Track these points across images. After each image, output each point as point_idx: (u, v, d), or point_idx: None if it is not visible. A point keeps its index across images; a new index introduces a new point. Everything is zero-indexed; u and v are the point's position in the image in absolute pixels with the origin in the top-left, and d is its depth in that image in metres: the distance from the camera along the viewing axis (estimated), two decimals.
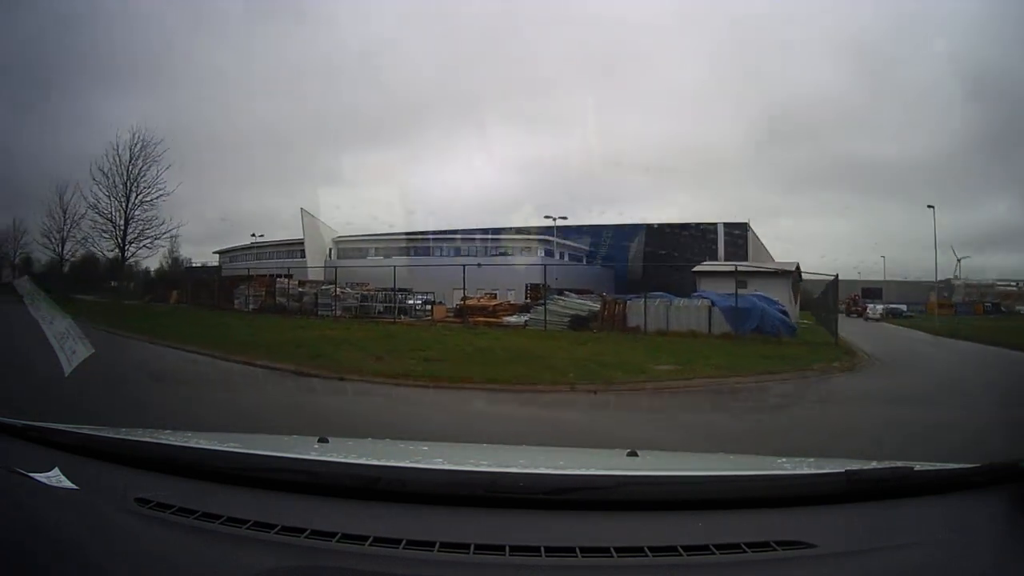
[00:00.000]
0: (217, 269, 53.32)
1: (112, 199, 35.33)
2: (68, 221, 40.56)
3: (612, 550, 1.74)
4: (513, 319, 28.61)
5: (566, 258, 48.10)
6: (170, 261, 58.45)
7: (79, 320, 20.24)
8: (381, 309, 32.25)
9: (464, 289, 31.21)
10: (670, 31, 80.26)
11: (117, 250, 36.47)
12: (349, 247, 50.21)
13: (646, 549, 1.75)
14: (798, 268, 32.08)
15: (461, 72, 79.57)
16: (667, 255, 40.81)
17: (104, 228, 36.16)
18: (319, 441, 2.72)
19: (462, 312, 30.61)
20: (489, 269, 37.16)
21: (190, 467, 2.23)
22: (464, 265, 32.28)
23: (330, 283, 35.73)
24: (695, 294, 27.66)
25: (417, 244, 47.92)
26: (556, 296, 29.38)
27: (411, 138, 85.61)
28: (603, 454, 3.43)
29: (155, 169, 34.98)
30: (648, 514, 1.96)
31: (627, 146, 75.62)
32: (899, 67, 67.66)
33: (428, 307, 32.48)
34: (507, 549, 1.74)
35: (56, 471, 2.15)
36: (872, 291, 59.69)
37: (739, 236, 46.45)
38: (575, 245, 49.42)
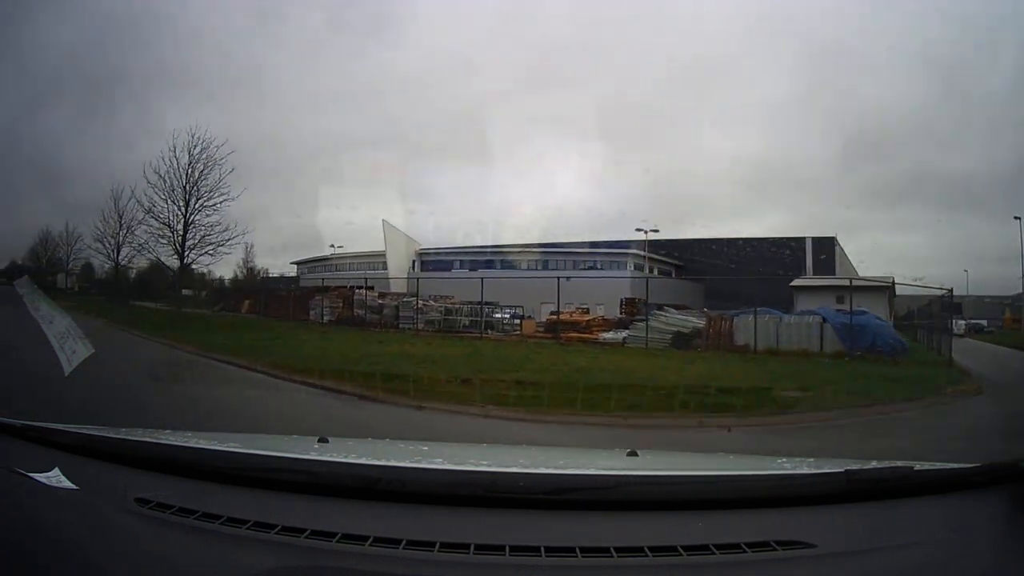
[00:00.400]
0: (294, 280, 52.46)
1: (170, 203, 32.31)
2: (124, 226, 38.54)
3: (612, 550, 1.74)
4: (609, 335, 26.25)
5: (655, 272, 46.24)
6: (245, 271, 58.98)
7: (118, 325, 22.61)
8: (466, 323, 30.75)
9: (558, 303, 29.25)
10: (754, 49, 77.05)
11: (176, 256, 33.07)
12: (432, 259, 49.54)
13: (646, 549, 1.75)
14: (893, 283, 30.68)
15: (544, 87, 77.82)
16: (756, 270, 38.90)
17: (161, 233, 33.08)
18: (319, 441, 2.73)
19: (553, 327, 28.40)
20: (577, 283, 35.31)
21: (190, 467, 2.22)
22: (558, 277, 30.41)
23: (412, 295, 33.83)
24: (801, 310, 25.98)
25: (502, 257, 46.88)
26: (657, 311, 26.73)
27: (494, 151, 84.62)
28: (603, 454, 3.51)
29: (217, 172, 31.97)
30: (648, 514, 1.97)
31: (711, 161, 73.67)
32: (980, 79, 64.87)
33: (517, 321, 30.72)
34: (507, 549, 1.74)
35: (56, 471, 2.14)
36: (953, 306, 57.31)
37: (826, 251, 45.52)
38: (664, 259, 48.14)
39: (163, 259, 33.21)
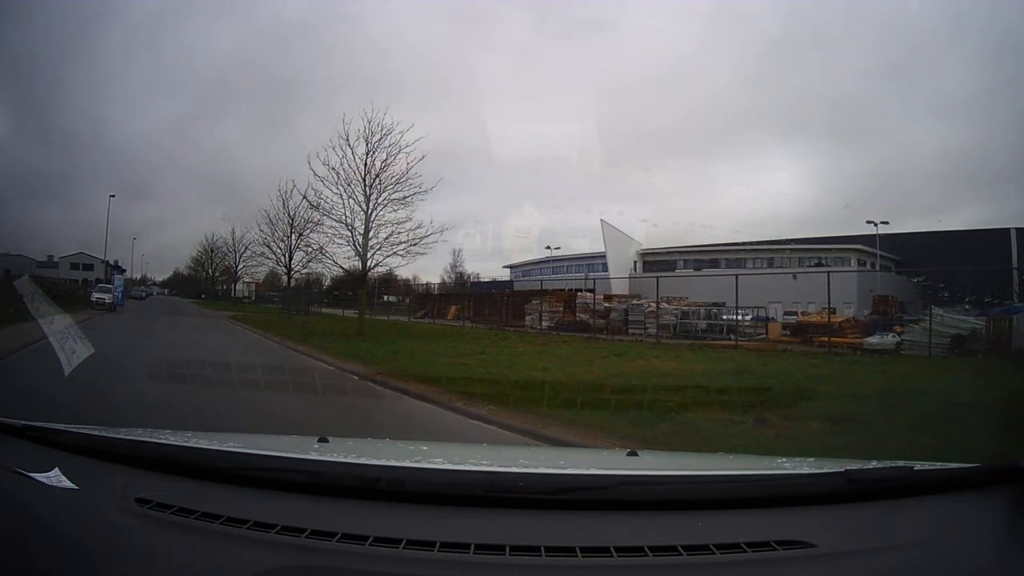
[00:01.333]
0: (507, 284, 51.14)
1: (346, 197, 26.19)
2: (295, 229, 34.46)
3: (612, 550, 1.75)
4: (875, 340, 22.13)
5: (875, 267, 43.59)
6: (453, 276, 58.90)
7: (274, 336, 22.23)
8: (703, 327, 27.74)
9: (831, 302, 25.00)
10: (954, 42, 73.70)
11: (357, 258, 26.49)
12: (655, 260, 48.05)
13: (646, 549, 1.75)
14: None
15: (762, 87, 77.19)
16: (964, 263, 34.30)
17: (337, 233, 26.94)
18: (319, 441, 2.72)
19: (800, 330, 25.23)
20: (794, 281, 32.53)
21: (190, 467, 2.22)
22: (828, 272, 26.33)
23: (641, 297, 31.04)
24: None
25: (726, 256, 45.19)
26: (936, 311, 22.38)
27: (712, 150, 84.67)
28: (603, 454, 3.60)
29: (403, 161, 25.60)
30: (648, 514, 1.97)
31: (915, 155, 70.09)
32: None
33: (759, 324, 27.01)
34: (507, 549, 1.74)
35: (56, 471, 2.14)
36: None
37: None
38: (886, 255, 45.07)
39: (340, 262, 27.54)
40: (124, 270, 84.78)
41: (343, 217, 26.00)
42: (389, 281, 50.52)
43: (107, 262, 69.49)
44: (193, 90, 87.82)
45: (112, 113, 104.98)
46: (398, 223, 25.55)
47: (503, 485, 2.01)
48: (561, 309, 32.36)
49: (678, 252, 47.20)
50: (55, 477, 2.09)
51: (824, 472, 2.26)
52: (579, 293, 33.46)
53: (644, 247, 48.72)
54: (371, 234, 25.65)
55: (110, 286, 43.98)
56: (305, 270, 38.73)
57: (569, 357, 17.33)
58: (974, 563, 1.79)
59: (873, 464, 2.27)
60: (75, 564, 1.71)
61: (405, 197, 25.16)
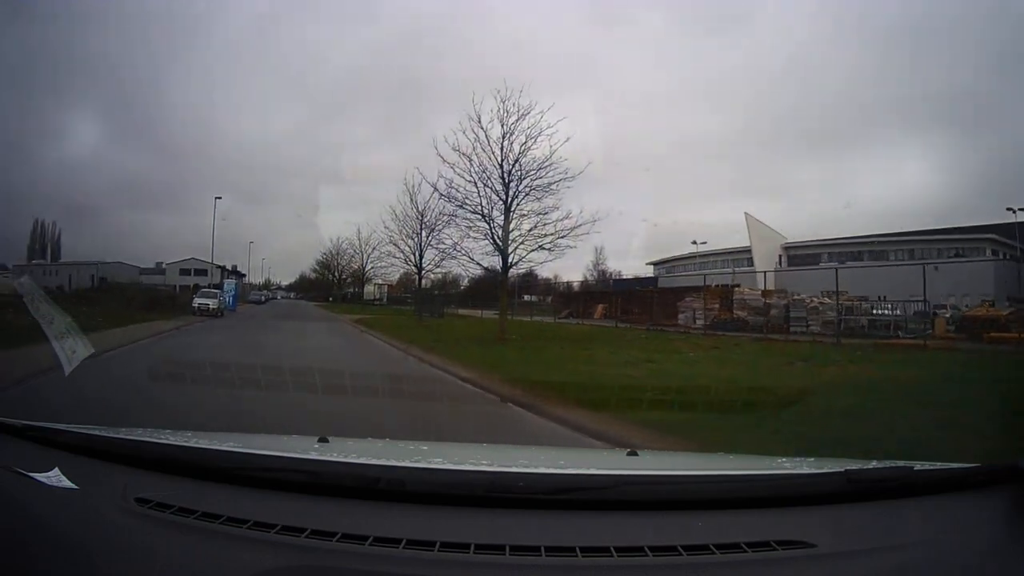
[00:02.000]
0: (651, 280, 50.63)
1: (483, 186, 22.99)
2: (426, 225, 32.29)
3: (612, 550, 1.75)
4: None
5: (1008, 257, 40.97)
6: (596, 273, 57.75)
7: (399, 343, 20.03)
8: (864, 323, 25.84)
9: (971, 295, 26.00)
10: None
11: (497, 252, 23.40)
12: (799, 253, 46.97)
13: (646, 549, 1.76)
14: None
15: (901, 73, 79.62)
16: None
17: (472, 226, 23.74)
18: (319, 441, 2.72)
19: (966, 326, 23.74)
20: (917, 273, 30.75)
21: (190, 467, 2.22)
22: (976, 263, 26.29)
23: (793, 293, 29.57)
24: None
25: (869, 248, 43.67)
26: None
27: (851, 142, 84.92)
28: (603, 454, 3.65)
29: (546, 145, 21.90)
30: (648, 514, 1.97)
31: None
32: None
33: (923, 320, 24.35)
34: (507, 549, 1.75)
35: (56, 471, 2.14)
36: None
37: None
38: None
39: (477, 259, 24.53)
40: (243, 275, 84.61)
41: (479, 207, 23.04)
42: (529, 280, 49.10)
43: (222, 267, 68.81)
44: (318, 91, 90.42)
45: (238, 118, 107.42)
46: (542, 213, 22.44)
47: (503, 485, 2.03)
48: (717, 306, 30.58)
49: (821, 245, 46.11)
50: (55, 477, 2.10)
51: (824, 472, 2.28)
52: (735, 289, 31.80)
53: (787, 241, 47.78)
54: (512, 226, 22.58)
55: (216, 291, 42.27)
56: (439, 269, 36.29)
57: (750, 364, 14.81)
58: (974, 563, 1.81)
59: (873, 464, 2.31)
60: (75, 564, 1.72)
61: (549, 184, 22.04)
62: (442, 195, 24.40)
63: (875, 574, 1.76)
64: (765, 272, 31.84)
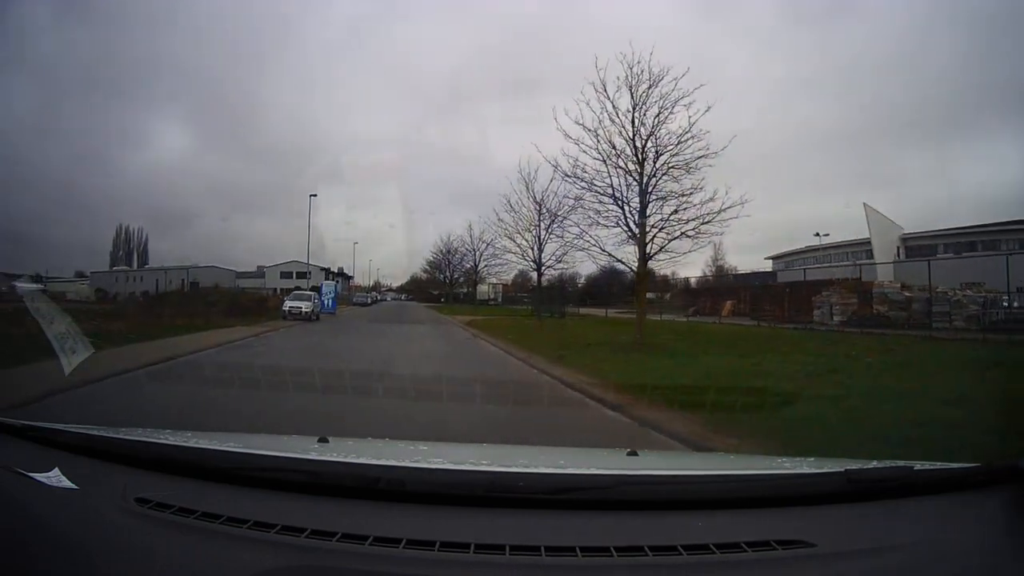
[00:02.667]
0: (770, 276, 49.57)
1: (609, 165, 19.33)
2: (548, 214, 29.91)
3: (612, 550, 1.74)
4: None
5: None
6: (713, 269, 57.38)
7: (513, 347, 17.82)
8: (1001, 317, 24.01)
9: None
10: None
11: (631, 240, 19.62)
12: (916, 244, 45.75)
13: (646, 549, 1.75)
14: None
15: (995, 63, 75.66)
16: None
17: (602, 211, 19.99)
18: (319, 441, 2.70)
19: None
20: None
21: (190, 467, 2.21)
22: None
23: (916, 286, 27.23)
24: None
25: (987, 238, 42.24)
26: None
27: (949, 132, 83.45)
28: (603, 454, 3.50)
29: (684, 116, 18.40)
30: (648, 514, 1.96)
31: None
32: None
33: None
34: (507, 549, 1.74)
35: (56, 471, 2.13)
36: None
37: None
38: None
39: (608, 248, 20.55)
40: (350, 277, 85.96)
41: (608, 189, 19.40)
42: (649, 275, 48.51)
43: (327, 269, 69.09)
44: (429, 91, 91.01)
45: (346, 121, 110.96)
46: (683, 194, 18.61)
47: (503, 485, 2.02)
48: (855, 301, 28.53)
49: (937, 236, 44.74)
50: (55, 477, 2.09)
51: (824, 472, 2.27)
52: (875, 283, 29.68)
53: (905, 231, 46.45)
54: (648, 210, 18.92)
55: (309, 293, 39.32)
56: (560, 265, 33.02)
57: (935, 374, 11.75)
58: (974, 563, 1.79)
59: (873, 464, 2.29)
60: (75, 564, 1.71)
61: (688, 162, 18.37)
62: (566, 176, 20.52)
63: (875, 574, 1.76)
64: (889, 263, 30.98)
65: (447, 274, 69.53)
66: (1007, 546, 1.87)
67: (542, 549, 1.75)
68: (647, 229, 19.00)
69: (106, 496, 2.06)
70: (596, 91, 18.91)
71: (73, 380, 6.85)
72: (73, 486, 2.09)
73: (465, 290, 70.89)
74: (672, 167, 18.64)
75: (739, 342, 19.85)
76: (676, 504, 2.02)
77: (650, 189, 18.95)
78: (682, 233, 18.80)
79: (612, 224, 19.89)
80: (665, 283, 47.48)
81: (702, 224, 18.47)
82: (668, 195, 18.95)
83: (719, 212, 18.12)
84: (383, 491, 2.04)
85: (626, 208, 19.40)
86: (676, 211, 18.73)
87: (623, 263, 21.08)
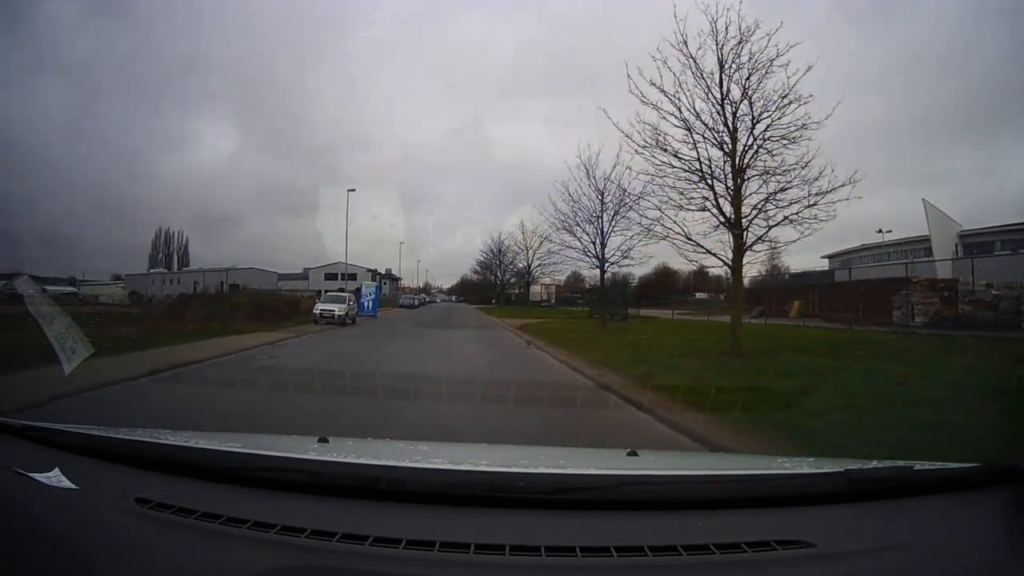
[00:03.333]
0: (827, 275, 47.82)
1: (700, 134, 16.05)
2: (607, 205, 27.94)
3: (612, 550, 1.74)
4: None
5: None
6: (768, 267, 54.50)
7: (573, 354, 14.69)
8: None
9: None
10: None
11: (723, 224, 16.02)
12: (974, 241, 44.86)
13: (646, 549, 1.75)
14: None
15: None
16: None
17: (689, 192, 16.45)
18: (319, 441, 2.69)
19: None
20: None
21: (190, 467, 2.21)
22: None
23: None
24: None
25: None
26: None
27: (997, 127, 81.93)
28: (603, 454, 3.47)
29: (783, 76, 15.13)
30: (648, 514, 1.96)
31: None
32: None
33: None
34: (507, 549, 1.74)
35: (56, 471, 2.12)
36: None
37: None
38: None
39: (695, 238, 16.35)
40: (398, 279, 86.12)
41: (695, 163, 15.92)
42: (703, 274, 46.80)
43: (373, 271, 68.86)
44: (478, 89, 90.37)
45: (398, 120, 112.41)
46: (786, 171, 15.21)
47: (503, 485, 2.02)
48: (936, 301, 27.00)
49: (994, 232, 43.76)
50: (55, 477, 2.10)
51: (824, 472, 2.27)
52: (961, 280, 27.98)
53: (963, 228, 45.36)
54: (745, 190, 15.67)
55: (344, 294, 36.38)
56: (626, 261, 30.00)
57: None
58: (975, 563, 1.79)
59: (873, 464, 2.29)
60: (75, 564, 1.72)
61: (784, 136, 15.18)
62: (640, 149, 16.51)
63: (875, 574, 1.76)
64: (946, 261, 30.00)
65: (498, 274, 67.81)
66: (1007, 546, 1.86)
67: (542, 549, 1.75)
68: (744, 213, 15.72)
69: (106, 496, 2.05)
70: (675, 47, 15.78)
71: None
72: (73, 486, 2.08)
73: (517, 291, 69.03)
74: (770, 138, 15.44)
75: (841, 350, 16.00)
76: (676, 504, 2.01)
77: (745, 164, 15.68)
78: (785, 218, 15.46)
79: (698, 207, 16.30)
80: (717, 283, 46.69)
81: (806, 207, 15.22)
82: (769, 172, 15.56)
83: (826, 192, 14.88)
84: (383, 491, 2.03)
85: (716, 187, 16.03)
86: (780, 191, 15.43)
87: (714, 255, 16.76)
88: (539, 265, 51.55)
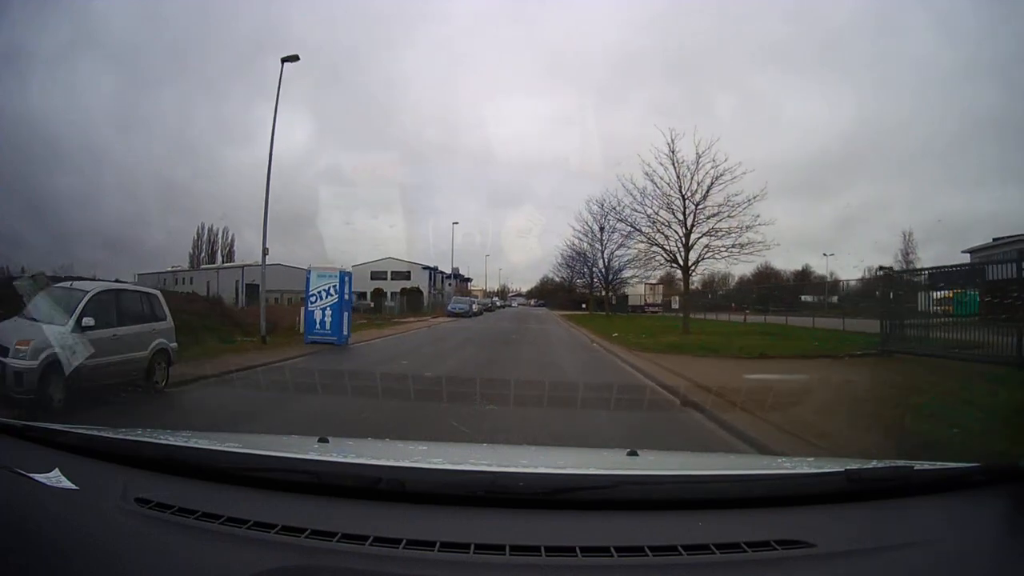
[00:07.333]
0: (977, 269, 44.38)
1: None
2: (690, 192, 24.17)
3: (612, 550, 1.73)
4: None
5: None
6: (904, 263, 51.16)
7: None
8: None
9: None
10: None
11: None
12: None
13: (646, 549, 1.74)
14: None
15: None
16: None
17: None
18: (319, 441, 2.69)
19: None
20: None
21: (190, 467, 2.21)
22: None
23: None
24: None
25: None
26: None
27: None
28: (603, 454, 3.44)
29: None
30: (648, 514, 1.95)
31: None
32: None
33: None
34: (507, 549, 1.73)
35: (56, 471, 2.12)
36: None
37: None
38: None
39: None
40: (469, 279, 79.37)
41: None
42: (805, 276, 43.40)
43: (431, 268, 62.44)
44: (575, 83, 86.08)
45: (481, 117, 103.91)
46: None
47: (503, 485, 1.99)
48: None
49: None
50: (55, 477, 2.06)
51: (824, 472, 2.26)
52: None
53: None
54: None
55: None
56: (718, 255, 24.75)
57: None
58: (974, 563, 1.78)
59: (873, 464, 2.25)
60: (75, 564, 1.70)
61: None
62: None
63: (875, 574, 1.74)
64: None
65: (586, 269, 50.51)
66: (1007, 546, 1.85)
67: (542, 549, 1.73)
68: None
69: (106, 496, 2.03)
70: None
71: None
72: (73, 486, 2.06)
73: (613, 293, 51.84)
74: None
75: None
76: (676, 504, 2.00)
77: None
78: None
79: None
80: (822, 284, 39.76)
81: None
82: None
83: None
84: (383, 491, 2.01)
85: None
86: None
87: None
88: (629, 260, 36.89)
